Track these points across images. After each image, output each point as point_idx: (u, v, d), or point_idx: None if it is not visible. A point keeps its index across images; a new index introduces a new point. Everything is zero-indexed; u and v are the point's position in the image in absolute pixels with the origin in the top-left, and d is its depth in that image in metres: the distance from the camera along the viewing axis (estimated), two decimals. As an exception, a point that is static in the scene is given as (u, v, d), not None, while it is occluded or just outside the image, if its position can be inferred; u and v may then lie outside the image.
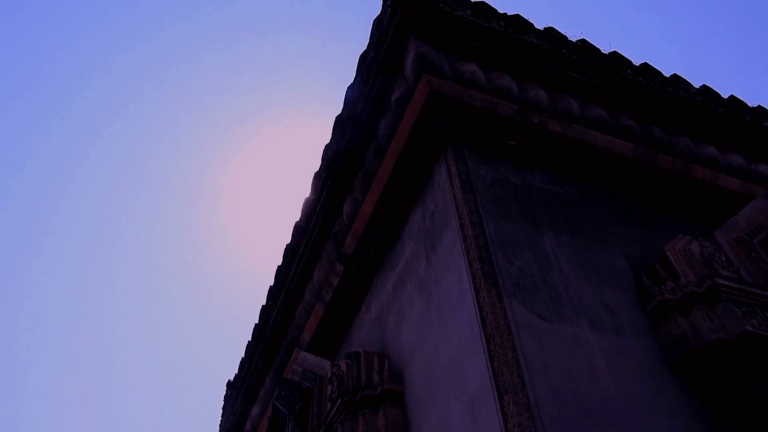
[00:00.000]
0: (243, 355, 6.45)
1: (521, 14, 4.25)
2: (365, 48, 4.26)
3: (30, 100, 20.73)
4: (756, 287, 3.00)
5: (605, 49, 4.38)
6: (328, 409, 3.80)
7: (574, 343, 2.77)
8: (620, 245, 3.50)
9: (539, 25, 4.27)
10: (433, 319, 3.28)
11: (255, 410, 6.17)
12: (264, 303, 5.80)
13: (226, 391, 7.10)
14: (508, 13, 4.23)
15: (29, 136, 21.11)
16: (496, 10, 4.19)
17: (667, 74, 4.51)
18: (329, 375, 4.05)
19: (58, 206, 22.21)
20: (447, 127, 3.69)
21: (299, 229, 5.00)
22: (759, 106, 4.74)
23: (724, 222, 3.63)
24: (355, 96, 4.25)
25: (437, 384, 3.09)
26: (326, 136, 4.57)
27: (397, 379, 3.51)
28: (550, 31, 4.26)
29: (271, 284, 5.62)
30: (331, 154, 4.48)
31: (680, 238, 3.32)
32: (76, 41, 20.63)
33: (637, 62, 4.45)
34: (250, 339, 6.21)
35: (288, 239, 5.22)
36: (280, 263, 5.40)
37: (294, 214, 5.15)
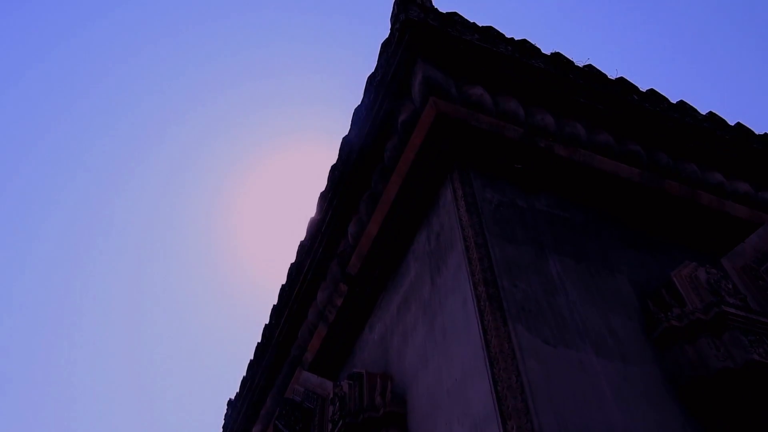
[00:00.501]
0: (244, 374, 6.41)
1: (528, 39, 4.29)
2: (373, 70, 4.30)
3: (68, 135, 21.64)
4: (763, 316, 2.98)
5: (612, 75, 4.42)
6: (329, 430, 3.77)
7: (579, 369, 2.75)
8: (626, 270, 3.49)
9: (546, 50, 4.31)
10: (437, 342, 3.26)
11: (256, 429, 6.12)
12: (267, 322, 5.78)
13: (227, 409, 7.05)
14: (516, 38, 4.27)
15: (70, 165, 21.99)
16: (503, 35, 4.23)
17: (673, 100, 4.53)
18: (331, 396, 4.02)
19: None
20: (453, 150, 3.71)
21: (304, 249, 5.01)
22: (766, 134, 4.74)
23: (730, 249, 3.61)
24: (362, 117, 4.28)
25: (440, 407, 3.06)
26: (333, 157, 4.59)
27: (399, 401, 3.49)
28: (557, 56, 4.29)
29: (275, 303, 5.60)
30: (337, 175, 4.49)
31: (686, 264, 3.31)
32: (106, 78, 21.45)
33: (643, 88, 4.47)
34: (251, 358, 6.18)
35: (293, 258, 5.22)
36: (284, 282, 5.39)
37: (300, 234, 5.15)
